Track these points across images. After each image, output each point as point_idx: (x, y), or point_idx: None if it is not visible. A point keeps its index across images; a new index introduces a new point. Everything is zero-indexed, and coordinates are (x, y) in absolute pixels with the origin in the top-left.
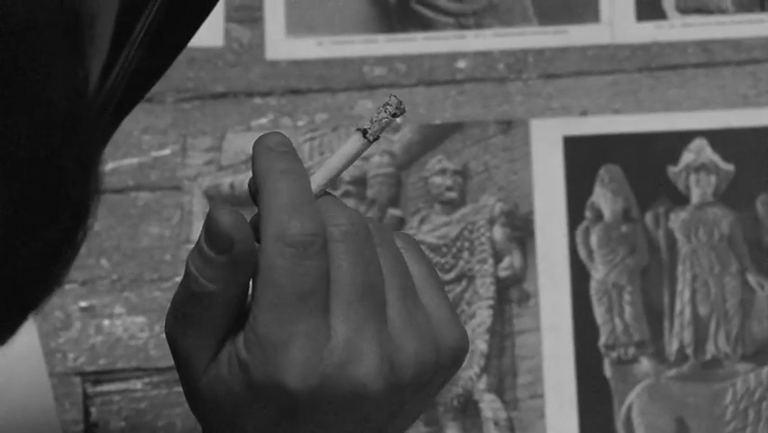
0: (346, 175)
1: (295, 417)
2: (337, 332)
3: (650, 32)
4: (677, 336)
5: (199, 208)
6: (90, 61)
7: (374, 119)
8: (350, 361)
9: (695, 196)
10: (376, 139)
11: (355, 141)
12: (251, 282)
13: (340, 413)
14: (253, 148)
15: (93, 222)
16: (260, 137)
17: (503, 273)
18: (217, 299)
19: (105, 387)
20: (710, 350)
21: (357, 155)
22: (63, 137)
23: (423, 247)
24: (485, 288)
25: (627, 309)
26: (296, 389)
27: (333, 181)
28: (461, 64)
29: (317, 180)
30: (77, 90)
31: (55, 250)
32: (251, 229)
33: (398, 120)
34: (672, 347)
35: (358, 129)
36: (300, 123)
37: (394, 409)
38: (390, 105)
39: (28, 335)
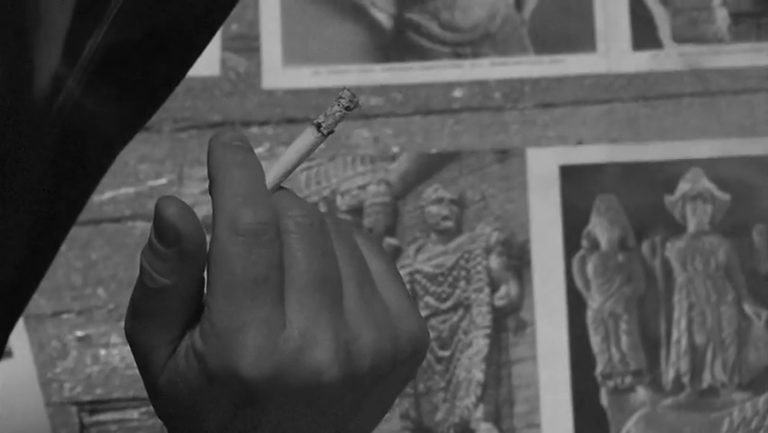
0: (343, 204)
1: (253, 407)
2: (292, 320)
3: (646, 61)
4: (673, 365)
5: None
6: (35, 57)
7: (328, 113)
8: (305, 348)
9: (691, 225)
10: (330, 133)
11: (309, 135)
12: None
13: (298, 403)
14: (209, 144)
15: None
16: (215, 134)
17: (499, 302)
18: (172, 292)
19: (102, 417)
20: (707, 379)
21: (311, 150)
22: (5, 137)
23: (419, 276)
24: (481, 317)
25: (624, 338)
26: (250, 377)
27: (287, 176)
28: (458, 93)
29: (272, 175)
30: (18, 82)
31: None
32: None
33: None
34: (669, 376)
35: (312, 123)
36: None
37: (353, 400)
38: (344, 99)
39: (24, 364)
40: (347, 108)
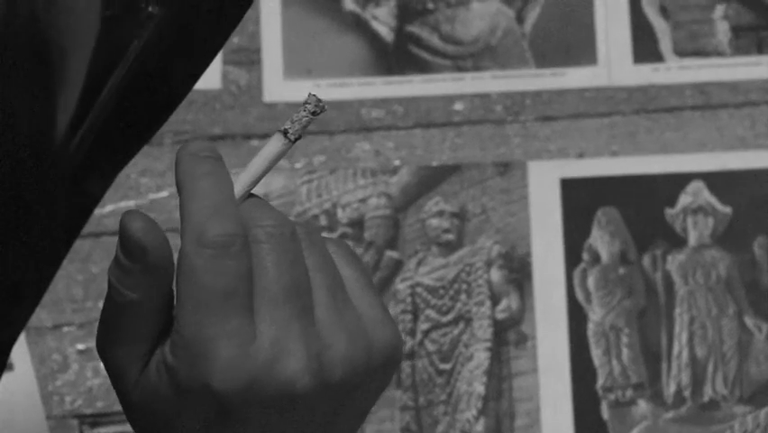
0: (344, 217)
1: (225, 420)
2: (262, 331)
3: (647, 74)
4: (674, 379)
5: None
6: (58, 100)
7: (294, 119)
8: (276, 360)
9: (692, 238)
10: (298, 139)
11: (276, 141)
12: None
13: (271, 414)
14: (177, 154)
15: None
16: (183, 144)
17: (500, 315)
18: (140, 307)
19: (103, 429)
20: (708, 392)
21: (279, 156)
22: (26, 174)
23: (420, 289)
24: (482, 330)
25: (625, 351)
26: (222, 390)
27: (256, 184)
28: (459, 106)
29: (240, 184)
30: (41, 128)
31: (18, 290)
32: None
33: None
34: (670, 390)
35: (279, 130)
36: (298, 165)
37: (327, 410)
38: (310, 104)
39: (25, 377)
40: (313, 114)
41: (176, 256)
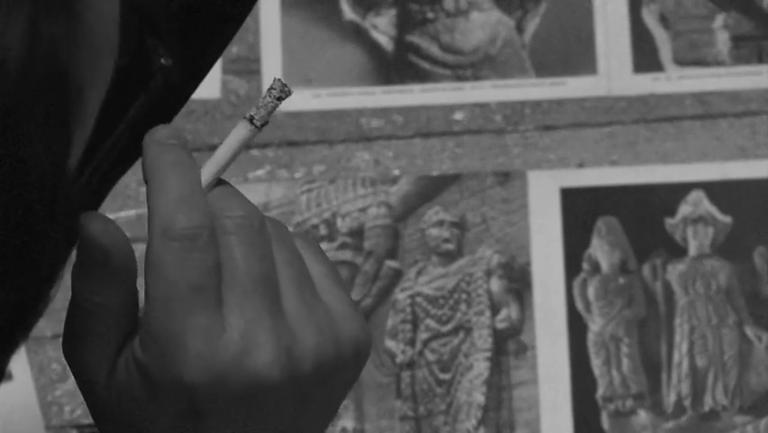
0: (343, 227)
1: (197, 416)
2: (232, 324)
3: (647, 83)
4: (675, 389)
5: None
6: (73, 134)
7: (260, 105)
8: (246, 352)
9: (692, 248)
10: (264, 125)
11: (242, 129)
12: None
13: (241, 408)
14: (143, 142)
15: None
16: (149, 131)
17: (500, 325)
18: (105, 309)
19: None
20: (708, 402)
21: (245, 143)
22: (40, 206)
23: (420, 299)
24: (482, 340)
25: (625, 361)
26: (193, 383)
27: (222, 172)
28: (459, 116)
29: (206, 173)
30: (57, 163)
31: (22, 308)
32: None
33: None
34: (670, 400)
35: (244, 117)
36: (297, 174)
37: (297, 403)
38: (275, 90)
39: (24, 387)
40: (278, 99)
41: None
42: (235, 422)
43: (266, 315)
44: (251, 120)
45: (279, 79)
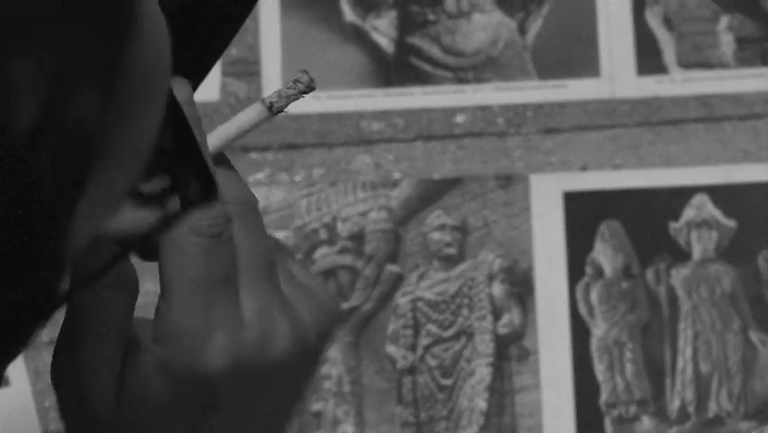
0: (344, 231)
1: (213, 409)
2: (249, 309)
3: (651, 86)
4: (679, 394)
5: None
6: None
7: (282, 94)
8: (265, 334)
9: (696, 252)
10: (279, 112)
11: (258, 111)
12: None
13: (257, 390)
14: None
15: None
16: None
17: (502, 330)
18: (107, 326)
19: None
20: (712, 408)
21: (255, 126)
22: (40, 206)
23: (421, 304)
24: (484, 345)
25: (629, 367)
26: (219, 374)
27: (225, 148)
28: (460, 119)
29: (210, 146)
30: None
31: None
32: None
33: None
34: (674, 405)
35: (261, 100)
36: (297, 178)
37: (303, 375)
38: (301, 83)
39: (21, 393)
40: (303, 92)
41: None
42: (248, 407)
43: (275, 295)
44: (269, 107)
45: (307, 72)
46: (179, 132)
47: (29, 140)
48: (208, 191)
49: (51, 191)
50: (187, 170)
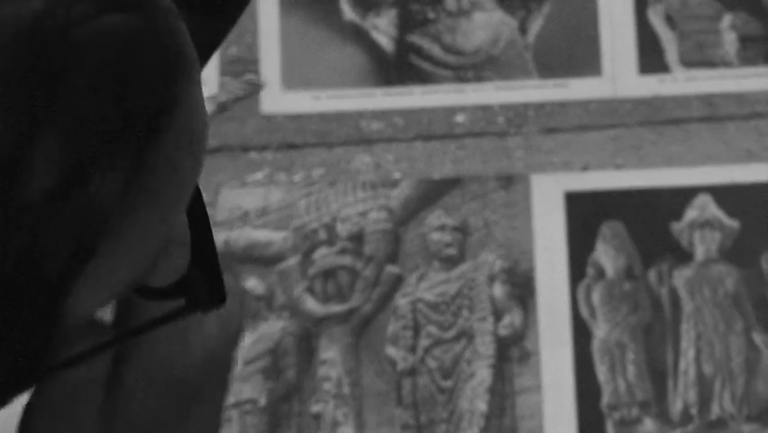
0: (343, 231)
1: None
2: None
3: (653, 85)
4: (681, 396)
5: None
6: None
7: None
8: None
9: (699, 253)
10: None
11: None
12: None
13: None
14: None
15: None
16: None
17: (503, 331)
18: (94, 382)
19: None
20: (715, 410)
21: None
22: (40, 208)
23: (421, 305)
24: (485, 346)
25: (630, 368)
26: None
27: None
28: (460, 118)
29: None
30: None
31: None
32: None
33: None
34: (677, 407)
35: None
36: (296, 177)
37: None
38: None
39: (18, 406)
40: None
41: None
42: None
43: None
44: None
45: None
46: (199, 231)
47: (42, 208)
48: (217, 295)
49: (54, 263)
50: (199, 269)
